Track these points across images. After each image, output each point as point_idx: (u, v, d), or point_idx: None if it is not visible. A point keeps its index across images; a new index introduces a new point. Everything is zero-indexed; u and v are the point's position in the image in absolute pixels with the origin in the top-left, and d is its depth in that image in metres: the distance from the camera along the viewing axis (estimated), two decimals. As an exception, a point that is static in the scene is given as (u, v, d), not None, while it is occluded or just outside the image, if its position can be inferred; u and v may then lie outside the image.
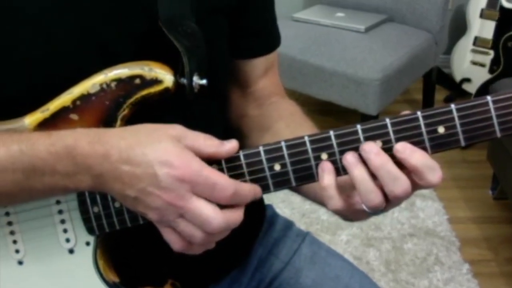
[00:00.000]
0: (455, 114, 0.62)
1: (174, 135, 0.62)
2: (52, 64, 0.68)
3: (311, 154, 0.64)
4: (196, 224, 0.61)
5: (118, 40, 0.70)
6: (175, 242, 0.64)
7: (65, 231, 0.70)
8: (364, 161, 0.62)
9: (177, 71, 0.68)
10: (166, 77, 0.67)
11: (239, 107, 0.91)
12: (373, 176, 0.62)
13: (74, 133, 0.63)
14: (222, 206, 0.62)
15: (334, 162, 0.64)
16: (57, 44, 0.67)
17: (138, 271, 0.75)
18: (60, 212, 0.70)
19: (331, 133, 0.63)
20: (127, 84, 0.66)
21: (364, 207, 0.64)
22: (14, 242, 0.71)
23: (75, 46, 0.68)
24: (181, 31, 0.69)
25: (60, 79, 0.67)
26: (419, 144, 0.62)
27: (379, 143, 0.62)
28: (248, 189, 0.64)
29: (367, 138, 0.63)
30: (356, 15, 2.69)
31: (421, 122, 0.62)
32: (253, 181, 0.65)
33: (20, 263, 0.71)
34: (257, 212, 0.95)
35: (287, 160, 0.64)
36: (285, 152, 0.64)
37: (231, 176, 0.65)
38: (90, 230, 0.69)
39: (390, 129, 0.62)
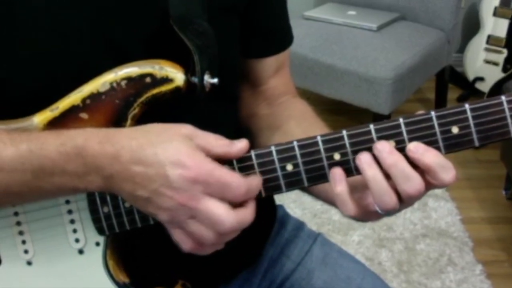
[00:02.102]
0: (469, 114, 0.61)
1: (185, 134, 0.61)
2: (61, 62, 0.67)
3: (323, 154, 0.63)
4: (208, 225, 0.61)
5: (128, 38, 0.69)
6: (185, 243, 0.63)
7: (74, 231, 0.70)
8: (377, 161, 0.62)
9: (188, 70, 0.68)
10: (177, 75, 0.66)
11: (249, 106, 0.90)
12: (387, 176, 0.61)
13: (84, 133, 0.62)
14: (233, 205, 0.61)
15: (346, 162, 0.63)
16: (67, 42, 0.67)
17: (148, 271, 0.75)
18: (70, 212, 0.69)
19: (344, 133, 0.63)
20: (137, 83, 0.66)
21: (378, 209, 0.63)
22: (23, 242, 0.71)
23: (85, 44, 0.68)
24: (192, 29, 0.68)
25: (70, 77, 0.67)
26: (432, 144, 0.62)
27: (392, 143, 0.62)
28: (257, 182, 0.64)
29: (380, 138, 0.62)
30: (368, 13, 2.68)
31: (435, 122, 0.61)
32: (265, 181, 0.65)
33: (29, 263, 0.71)
34: (268, 213, 0.95)
35: (299, 160, 0.64)
36: (297, 152, 0.64)
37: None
38: (100, 230, 0.69)
39: (403, 129, 0.62)
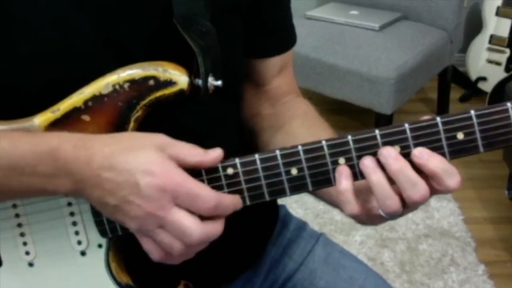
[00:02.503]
0: (474, 120, 0.61)
1: (158, 144, 0.61)
2: (63, 62, 0.67)
3: (328, 159, 0.63)
4: (175, 235, 0.60)
5: (131, 38, 0.69)
6: (153, 252, 0.63)
7: (76, 233, 0.69)
8: (381, 166, 0.62)
9: (192, 72, 0.67)
10: (181, 78, 0.66)
11: (252, 106, 0.90)
12: (391, 181, 0.61)
13: (59, 136, 0.62)
14: (202, 217, 0.61)
15: (351, 167, 0.63)
16: (68, 42, 0.66)
17: (150, 272, 0.75)
18: (72, 214, 0.69)
19: (349, 137, 0.63)
20: (140, 85, 0.65)
21: (381, 213, 0.63)
22: (24, 243, 0.70)
23: (87, 44, 0.67)
24: (196, 30, 0.68)
25: (71, 78, 0.66)
26: (438, 150, 0.62)
27: (397, 149, 0.62)
28: (230, 201, 0.63)
29: (385, 143, 0.62)
30: (370, 13, 2.67)
31: (440, 128, 0.61)
32: (269, 185, 0.64)
33: (31, 264, 0.71)
34: (270, 213, 0.95)
35: (304, 164, 0.63)
36: (302, 156, 0.63)
37: (246, 180, 0.64)
38: (102, 233, 0.69)
39: (408, 134, 0.62)
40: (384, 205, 0.62)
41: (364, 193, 0.64)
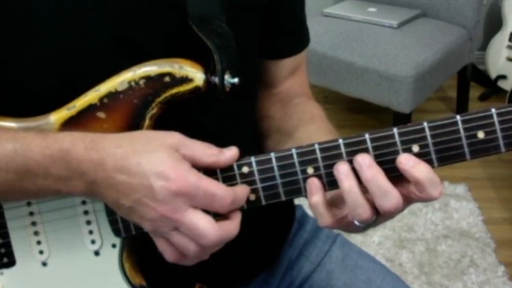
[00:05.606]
0: (495, 118, 0.59)
1: (172, 144, 0.61)
2: (80, 60, 0.67)
3: (345, 158, 0.62)
4: (191, 237, 0.60)
5: (147, 37, 0.69)
6: (168, 253, 0.63)
7: (90, 232, 0.69)
8: (356, 173, 0.60)
9: (208, 69, 0.67)
10: (197, 75, 0.65)
11: (262, 108, 0.89)
12: (365, 189, 0.60)
13: (70, 137, 0.62)
14: (217, 217, 0.61)
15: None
16: (84, 40, 0.66)
17: (165, 274, 0.74)
18: (86, 213, 0.68)
19: (367, 136, 0.61)
20: (156, 82, 0.65)
21: (354, 221, 0.62)
22: (38, 243, 0.70)
23: (103, 43, 0.67)
24: (211, 30, 0.67)
25: (88, 76, 0.66)
26: (457, 149, 0.60)
27: (416, 148, 0.60)
28: (243, 193, 0.63)
29: (403, 142, 0.61)
30: (389, 10, 2.66)
31: (460, 126, 0.60)
32: (285, 184, 0.63)
33: (44, 264, 0.71)
34: (286, 213, 0.94)
35: (321, 163, 0.62)
36: (318, 155, 0.62)
37: (262, 179, 0.63)
38: (116, 232, 0.68)
39: (427, 133, 0.60)
40: (354, 213, 0.61)
41: (337, 202, 0.64)
